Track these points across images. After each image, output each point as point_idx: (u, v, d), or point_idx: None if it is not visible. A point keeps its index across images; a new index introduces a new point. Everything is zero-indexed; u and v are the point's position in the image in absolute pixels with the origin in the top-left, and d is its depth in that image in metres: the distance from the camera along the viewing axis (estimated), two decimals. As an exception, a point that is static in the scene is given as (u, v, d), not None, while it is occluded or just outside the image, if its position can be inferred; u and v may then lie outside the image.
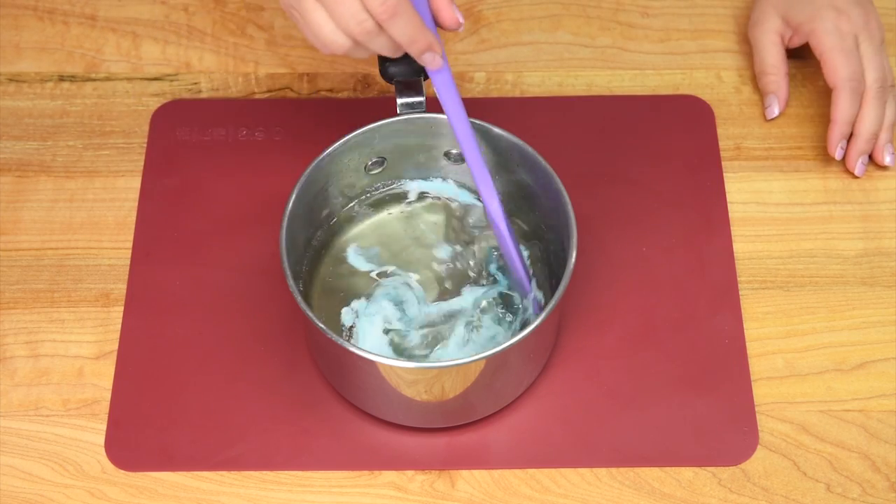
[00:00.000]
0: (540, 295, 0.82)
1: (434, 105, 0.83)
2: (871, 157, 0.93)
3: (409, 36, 0.68)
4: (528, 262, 0.82)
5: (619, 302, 0.87)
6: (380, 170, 0.86)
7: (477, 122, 0.82)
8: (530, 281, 0.81)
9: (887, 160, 0.92)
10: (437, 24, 0.71)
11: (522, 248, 0.83)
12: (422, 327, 0.82)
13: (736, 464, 0.81)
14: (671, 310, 0.86)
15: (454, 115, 0.76)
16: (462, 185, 0.87)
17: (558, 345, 0.85)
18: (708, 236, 0.90)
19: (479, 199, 0.85)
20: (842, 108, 0.91)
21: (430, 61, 0.70)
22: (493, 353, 0.74)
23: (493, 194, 0.79)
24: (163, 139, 0.94)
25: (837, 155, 0.91)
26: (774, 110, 0.95)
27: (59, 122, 0.95)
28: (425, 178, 0.87)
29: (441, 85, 0.74)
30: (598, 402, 0.83)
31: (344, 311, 0.82)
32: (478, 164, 0.78)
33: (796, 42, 0.95)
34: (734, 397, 0.83)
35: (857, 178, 0.93)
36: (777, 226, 0.91)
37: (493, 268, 0.84)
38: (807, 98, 0.96)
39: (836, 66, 0.90)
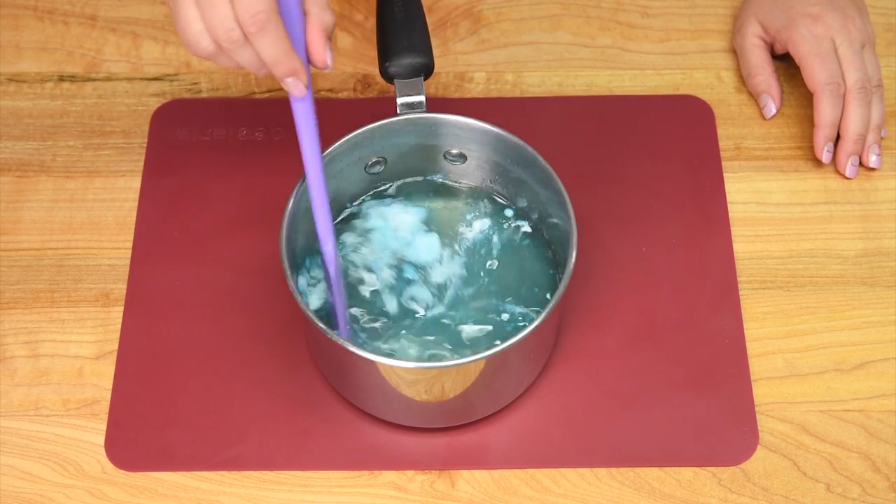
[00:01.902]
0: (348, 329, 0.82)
1: (434, 105, 0.83)
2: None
3: (273, 55, 0.66)
4: (347, 309, 0.81)
5: (619, 302, 0.87)
6: (380, 170, 0.86)
7: (477, 122, 0.82)
8: (347, 326, 0.81)
9: (873, 161, 0.92)
10: (307, 57, 0.69)
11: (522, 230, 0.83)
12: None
13: (736, 464, 0.81)
14: (671, 310, 0.86)
15: (308, 147, 0.72)
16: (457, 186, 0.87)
17: (558, 345, 0.85)
18: (708, 236, 0.90)
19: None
20: (823, 112, 0.91)
21: (292, 86, 0.68)
22: (493, 353, 0.74)
23: (330, 236, 0.77)
24: (163, 139, 0.94)
25: (825, 158, 0.92)
26: (771, 108, 0.95)
27: (59, 122, 0.95)
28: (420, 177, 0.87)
29: (300, 113, 0.70)
30: (598, 402, 0.83)
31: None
32: (321, 201, 0.75)
33: (779, 49, 0.95)
34: (734, 397, 0.83)
35: (857, 178, 0.93)
36: (777, 226, 0.91)
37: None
38: (806, 98, 0.96)
39: (814, 71, 0.91)
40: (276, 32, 0.65)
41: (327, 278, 0.79)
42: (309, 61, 0.68)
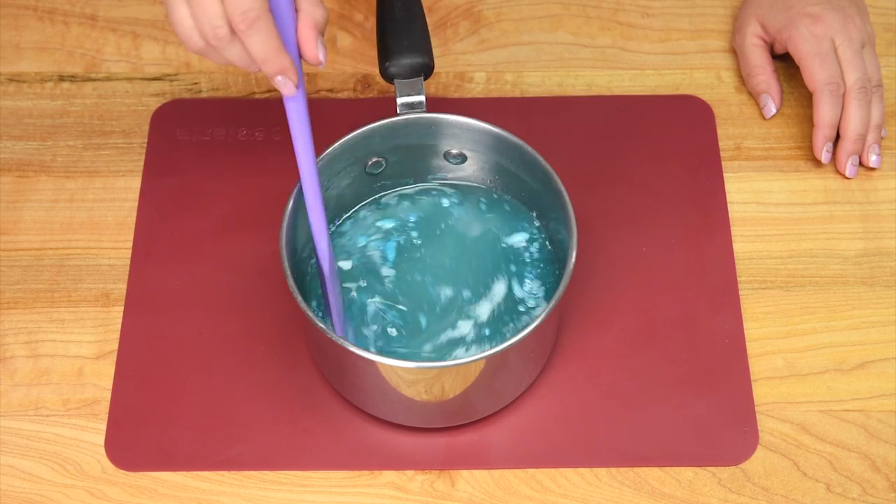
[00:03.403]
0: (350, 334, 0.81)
1: (434, 105, 0.83)
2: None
3: (263, 53, 0.66)
4: (342, 307, 0.81)
5: (619, 302, 0.87)
6: (380, 170, 0.86)
7: (477, 122, 0.82)
8: (344, 326, 0.81)
9: (873, 161, 0.92)
10: (300, 54, 0.69)
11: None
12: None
13: (736, 464, 0.81)
14: (671, 310, 0.86)
15: (301, 146, 0.72)
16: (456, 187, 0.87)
17: (558, 345, 0.85)
18: (708, 236, 0.90)
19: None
20: (822, 112, 0.91)
21: (281, 85, 0.68)
22: (493, 353, 0.74)
23: (324, 234, 0.76)
24: (163, 139, 0.94)
25: (824, 158, 0.92)
26: (771, 108, 0.95)
27: (59, 122, 0.95)
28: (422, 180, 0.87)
29: (293, 113, 0.70)
30: (598, 402, 0.83)
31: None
32: (315, 200, 0.75)
33: (779, 49, 0.95)
34: (734, 397, 0.83)
35: (857, 178, 0.93)
36: (777, 226, 0.91)
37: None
38: (806, 98, 0.96)
39: (813, 71, 0.91)
40: (265, 30, 0.65)
41: (321, 276, 0.79)
42: (301, 58, 0.68)
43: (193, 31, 0.66)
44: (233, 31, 0.65)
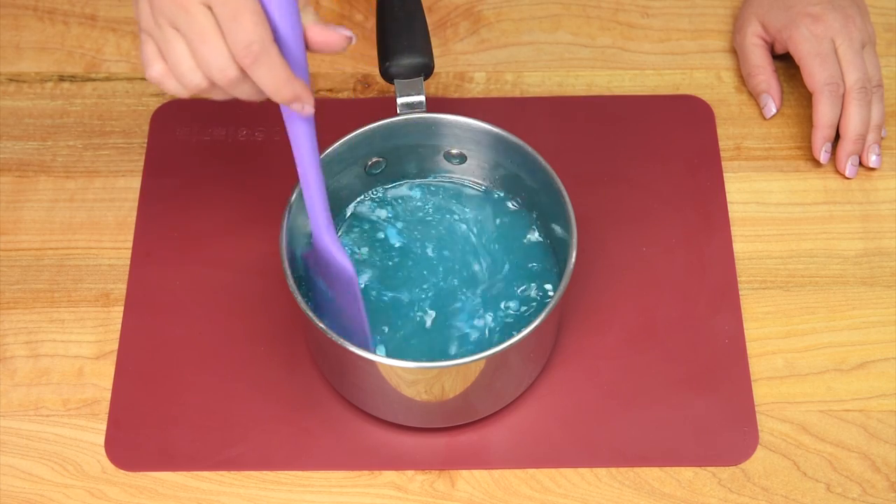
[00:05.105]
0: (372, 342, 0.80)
1: (434, 105, 0.83)
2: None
3: (273, 85, 0.63)
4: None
5: (619, 302, 0.87)
6: (380, 170, 0.86)
7: (477, 122, 0.82)
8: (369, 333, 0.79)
9: (873, 161, 0.92)
10: (324, 52, 0.66)
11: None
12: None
13: (736, 464, 0.81)
14: (671, 310, 0.86)
15: (307, 165, 0.70)
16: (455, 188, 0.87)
17: (558, 345, 0.85)
18: (708, 236, 0.90)
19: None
20: (822, 113, 0.91)
21: (299, 110, 0.65)
22: (493, 353, 0.74)
23: (331, 230, 0.75)
24: (163, 139, 0.94)
25: (823, 159, 0.92)
26: (771, 108, 0.95)
27: (59, 122, 0.95)
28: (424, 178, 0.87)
29: (301, 134, 0.68)
30: (598, 402, 0.83)
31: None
32: (322, 216, 0.73)
33: (779, 49, 0.95)
34: (734, 397, 0.83)
35: (857, 178, 0.93)
36: (777, 226, 0.91)
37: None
38: (806, 98, 0.96)
39: (813, 71, 0.91)
40: (271, 61, 0.62)
41: (341, 293, 0.77)
42: (330, 52, 0.65)
43: (195, 72, 0.63)
44: (241, 69, 0.62)
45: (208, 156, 0.93)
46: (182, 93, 0.66)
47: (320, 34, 0.65)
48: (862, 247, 0.90)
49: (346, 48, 0.65)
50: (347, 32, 0.65)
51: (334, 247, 0.75)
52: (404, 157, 0.85)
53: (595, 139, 0.94)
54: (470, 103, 0.96)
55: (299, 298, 0.75)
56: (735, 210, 0.91)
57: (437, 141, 0.84)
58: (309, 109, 0.66)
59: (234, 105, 0.95)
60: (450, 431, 0.82)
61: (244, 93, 0.65)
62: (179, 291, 0.87)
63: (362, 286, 0.83)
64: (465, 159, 0.86)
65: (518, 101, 0.96)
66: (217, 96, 0.66)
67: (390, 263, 0.84)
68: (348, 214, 0.87)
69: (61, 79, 0.98)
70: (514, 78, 0.98)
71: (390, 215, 0.86)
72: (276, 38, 0.63)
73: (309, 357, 0.85)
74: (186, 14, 0.62)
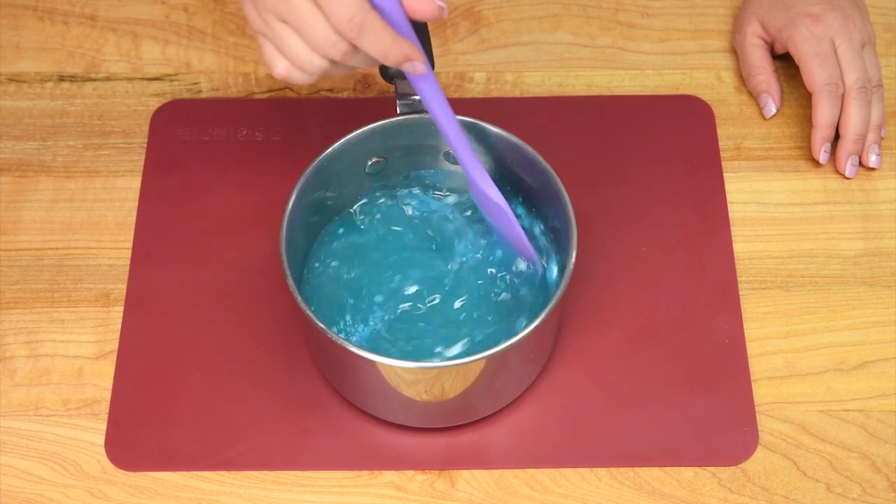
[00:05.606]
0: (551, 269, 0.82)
1: (434, 105, 0.83)
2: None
3: (382, 50, 0.66)
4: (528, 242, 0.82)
5: (619, 302, 0.87)
6: (380, 170, 0.86)
7: (477, 121, 0.82)
8: (541, 255, 0.83)
9: (872, 161, 0.92)
10: (418, 20, 0.69)
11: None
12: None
13: (736, 464, 0.81)
14: (671, 310, 0.86)
15: (443, 117, 0.74)
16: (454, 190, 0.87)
17: (558, 345, 0.85)
18: (708, 236, 0.90)
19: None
20: (821, 113, 0.91)
21: (411, 70, 0.69)
22: (493, 353, 0.74)
23: (491, 184, 0.79)
24: (163, 139, 0.94)
25: (822, 159, 0.92)
26: (771, 108, 0.95)
27: (59, 122, 0.95)
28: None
29: (426, 93, 0.72)
30: (598, 402, 0.83)
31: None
32: (471, 160, 0.78)
33: (779, 49, 0.95)
34: (734, 397, 0.83)
35: (857, 178, 0.93)
36: (777, 226, 0.91)
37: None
38: (806, 98, 0.96)
39: (812, 72, 0.91)
40: (375, 28, 0.65)
41: (504, 223, 0.80)
42: (426, 21, 0.68)
43: (313, 56, 0.67)
44: (350, 42, 0.65)
45: (208, 156, 0.93)
46: (309, 80, 0.69)
47: (416, 2, 0.67)
48: (862, 247, 0.90)
49: (438, 17, 0.68)
50: (441, 3, 0.68)
51: (484, 182, 0.78)
52: (404, 157, 0.85)
53: (595, 139, 0.94)
54: (470, 103, 0.96)
55: (299, 298, 0.75)
56: (735, 210, 0.91)
57: (437, 141, 0.84)
58: (421, 68, 0.68)
59: (234, 105, 0.96)
60: (450, 431, 0.82)
61: (360, 62, 0.68)
62: (179, 291, 0.87)
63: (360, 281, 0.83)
64: (465, 159, 0.86)
65: (518, 101, 0.96)
66: (341, 72, 0.69)
67: (390, 262, 0.84)
68: (348, 214, 0.87)
69: (61, 79, 0.98)
70: (514, 78, 0.98)
71: (390, 215, 0.86)
72: (375, 6, 0.66)
73: (309, 357, 0.85)
74: (287, 4, 0.65)
